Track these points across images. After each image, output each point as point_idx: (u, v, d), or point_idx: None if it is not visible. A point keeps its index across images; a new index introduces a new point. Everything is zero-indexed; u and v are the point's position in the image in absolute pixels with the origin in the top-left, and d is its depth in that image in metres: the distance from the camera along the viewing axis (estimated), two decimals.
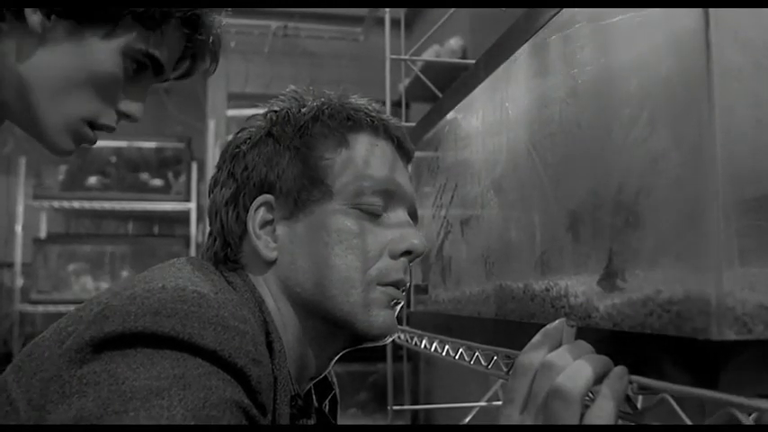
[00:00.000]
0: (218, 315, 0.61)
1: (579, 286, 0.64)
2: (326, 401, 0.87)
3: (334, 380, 0.89)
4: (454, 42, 2.53)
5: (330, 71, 3.39)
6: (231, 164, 0.79)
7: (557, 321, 0.60)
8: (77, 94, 0.75)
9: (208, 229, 0.82)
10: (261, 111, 0.82)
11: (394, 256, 0.76)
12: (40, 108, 0.75)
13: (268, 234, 0.76)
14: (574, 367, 0.54)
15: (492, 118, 0.88)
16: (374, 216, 0.76)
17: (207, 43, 0.83)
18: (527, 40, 0.76)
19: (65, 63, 0.74)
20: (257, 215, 0.76)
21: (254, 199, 0.76)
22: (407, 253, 0.77)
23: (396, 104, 1.61)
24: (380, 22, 1.64)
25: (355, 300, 0.74)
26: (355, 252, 0.74)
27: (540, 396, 0.55)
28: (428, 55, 2.50)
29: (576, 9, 0.66)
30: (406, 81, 2.45)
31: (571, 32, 0.67)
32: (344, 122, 0.78)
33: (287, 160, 0.76)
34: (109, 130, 0.81)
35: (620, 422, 0.54)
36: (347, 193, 0.75)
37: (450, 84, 1.07)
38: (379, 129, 0.80)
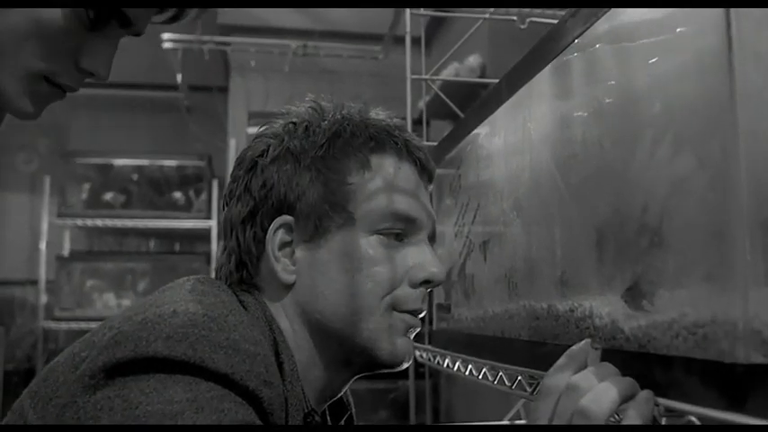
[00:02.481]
0: (229, 338, 0.61)
1: (603, 307, 0.64)
2: (342, 422, 0.86)
3: (351, 400, 0.88)
4: (473, 60, 2.53)
5: (350, 89, 3.40)
6: (248, 176, 0.77)
7: (582, 342, 0.60)
8: (26, 48, 0.65)
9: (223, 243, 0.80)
10: (279, 121, 0.80)
11: (413, 285, 0.75)
12: None
13: (287, 256, 0.75)
14: (599, 389, 0.54)
15: (514, 138, 0.88)
16: (395, 241, 0.75)
17: None
18: (550, 61, 0.77)
19: (5, 12, 0.64)
20: (276, 237, 0.74)
21: (273, 219, 0.75)
22: (426, 282, 0.75)
23: (416, 122, 1.61)
24: (399, 40, 1.65)
25: (374, 327, 0.73)
26: (376, 279, 0.73)
27: (564, 418, 0.55)
28: (447, 72, 2.50)
29: (600, 29, 0.67)
30: (427, 98, 2.46)
31: (594, 53, 0.68)
32: (367, 142, 0.76)
33: (307, 182, 0.75)
34: (71, 90, 0.71)
35: None
36: (369, 219, 0.74)
37: (469, 100, 1.07)
38: (402, 151, 0.78)
